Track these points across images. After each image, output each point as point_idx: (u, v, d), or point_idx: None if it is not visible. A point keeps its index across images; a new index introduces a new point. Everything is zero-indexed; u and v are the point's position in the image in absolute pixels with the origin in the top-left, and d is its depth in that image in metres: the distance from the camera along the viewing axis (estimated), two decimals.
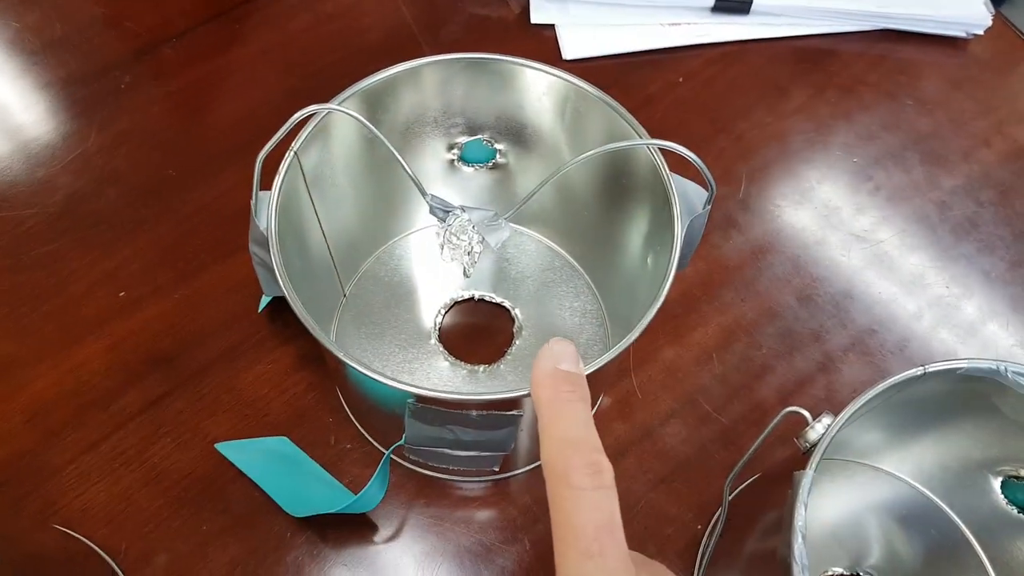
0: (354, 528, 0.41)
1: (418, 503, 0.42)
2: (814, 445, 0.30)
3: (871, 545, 0.42)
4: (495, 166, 0.45)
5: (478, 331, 0.47)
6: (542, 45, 0.58)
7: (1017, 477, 0.38)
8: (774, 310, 0.49)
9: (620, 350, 0.31)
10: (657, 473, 0.44)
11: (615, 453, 0.44)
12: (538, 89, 0.39)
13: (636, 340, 0.32)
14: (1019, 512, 0.38)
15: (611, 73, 0.57)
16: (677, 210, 0.35)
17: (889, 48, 0.61)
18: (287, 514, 0.41)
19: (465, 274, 0.35)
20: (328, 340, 0.31)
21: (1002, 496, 0.38)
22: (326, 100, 0.36)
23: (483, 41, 0.59)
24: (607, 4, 0.58)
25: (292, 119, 0.32)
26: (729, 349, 0.48)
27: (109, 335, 0.46)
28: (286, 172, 0.35)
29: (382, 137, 0.33)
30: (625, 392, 0.46)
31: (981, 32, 0.60)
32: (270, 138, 0.33)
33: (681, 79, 0.58)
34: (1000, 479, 0.38)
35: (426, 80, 0.39)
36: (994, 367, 0.32)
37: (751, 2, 0.58)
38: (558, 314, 0.46)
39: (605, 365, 0.31)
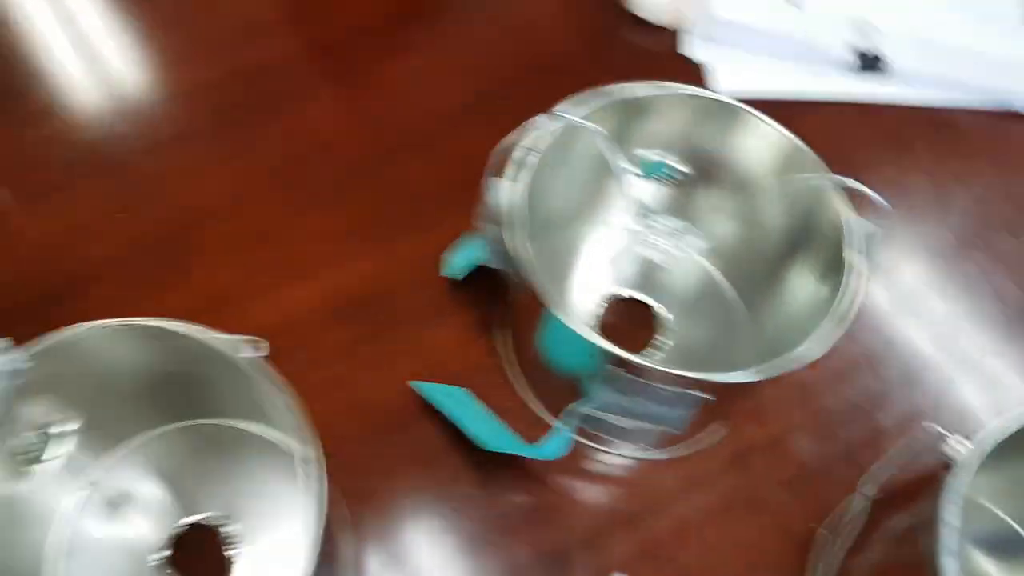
0: (518, 478, 0.48)
1: (571, 465, 0.49)
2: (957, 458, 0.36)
3: None
4: (668, 181, 0.50)
5: (634, 328, 0.53)
6: (691, 77, 0.64)
7: None
8: (895, 343, 0.55)
9: (801, 364, 0.37)
10: (782, 475, 0.49)
11: (745, 453, 0.50)
12: (749, 134, 0.45)
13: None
14: None
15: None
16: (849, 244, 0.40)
17: (1014, 127, 0.65)
18: (464, 455, 0.48)
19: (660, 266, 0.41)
20: (556, 305, 0.38)
21: None
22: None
23: (640, 69, 0.64)
24: (760, 52, 0.64)
25: (528, 123, 0.39)
26: (854, 375, 0.53)
27: (322, 280, 0.53)
28: (522, 166, 0.41)
29: (610, 147, 0.40)
30: (757, 403, 0.52)
31: None
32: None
33: (818, 127, 0.64)
34: None
35: (650, 105, 0.45)
36: None
37: (885, 65, 0.64)
38: (706, 326, 0.52)
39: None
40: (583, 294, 0.53)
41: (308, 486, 0.34)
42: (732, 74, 0.63)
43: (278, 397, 0.36)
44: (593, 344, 0.38)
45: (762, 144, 0.45)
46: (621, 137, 0.47)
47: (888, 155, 0.63)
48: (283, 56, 0.63)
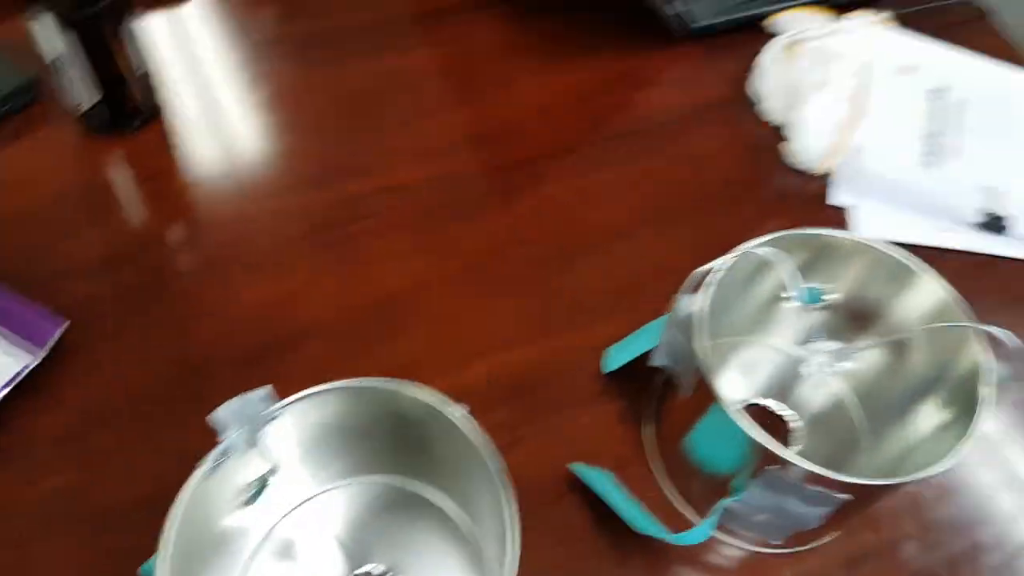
0: (655, 562, 0.53)
1: (705, 555, 0.54)
2: None
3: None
4: (820, 307, 0.57)
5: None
6: (835, 220, 0.71)
7: None
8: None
9: (934, 473, 0.42)
10: None
11: (858, 556, 0.54)
12: (914, 287, 0.52)
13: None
14: None
15: None
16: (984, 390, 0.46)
17: None
18: (606, 536, 0.53)
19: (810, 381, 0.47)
20: (717, 389, 0.44)
21: None
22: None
23: (791, 208, 0.72)
24: (898, 205, 0.71)
25: (736, 252, 0.46)
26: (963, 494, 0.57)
27: (490, 363, 0.60)
28: (716, 283, 0.49)
29: (792, 281, 0.47)
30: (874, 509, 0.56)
31: None
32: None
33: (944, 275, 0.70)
34: None
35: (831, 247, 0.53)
36: None
37: (1008, 227, 0.70)
38: (829, 441, 0.58)
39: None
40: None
41: (511, 538, 0.40)
42: (872, 219, 0.70)
43: (484, 451, 0.42)
44: (751, 440, 0.44)
45: (923, 296, 0.51)
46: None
47: (1004, 305, 0.68)
48: (477, 167, 0.72)
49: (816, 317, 0.57)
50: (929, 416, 0.52)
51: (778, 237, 0.49)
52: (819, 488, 0.44)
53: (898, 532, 0.56)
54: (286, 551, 0.51)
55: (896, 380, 0.55)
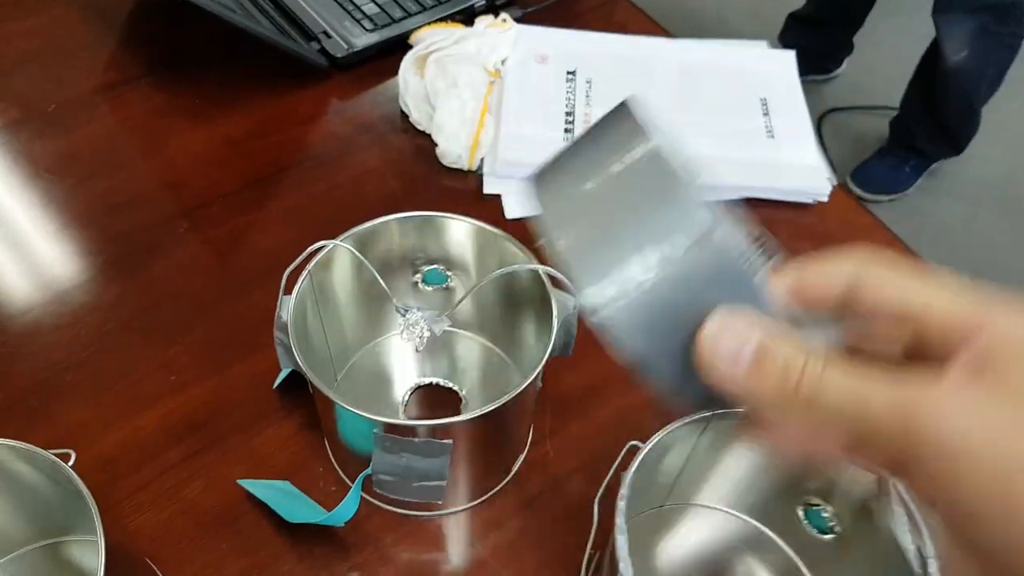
0: (335, 548, 0.56)
1: (382, 530, 0.57)
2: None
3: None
4: (447, 288, 0.63)
5: (434, 407, 0.63)
6: (493, 208, 0.78)
7: (814, 505, 0.53)
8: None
9: (517, 391, 0.48)
10: (562, 512, 0.59)
11: (532, 497, 0.60)
12: (462, 234, 0.58)
13: (532, 387, 0.49)
14: (821, 534, 0.53)
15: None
16: (554, 309, 0.52)
17: (753, 212, 0.81)
18: (285, 536, 0.56)
19: (416, 349, 0.52)
20: (323, 386, 0.48)
21: (807, 523, 0.53)
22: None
23: (447, 205, 0.78)
24: None
25: (309, 248, 0.51)
26: (623, 421, 0.64)
27: (161, 407, 0.62)
28: (302, 282, 0.53)
29: (366, 262, 0.52)
30: (542, 452, 0.62)
31: (825, 199, 0.80)
32: (290, 266, 0.51)
33: None
34: (802, 508, 0.53)
35: (394, 229, 0.58)
36: None
37: None
38: (494, 392, 0.63)
39: (510, 401, 0.47)
40: (395, 387, 0.64)
41: None
42: (517, 203, 0.77)
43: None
44: (364, 419, 0.48)
45: (476, 240, 0.58)
46: (383, 255, 0.59)
47: None
48: (153, 219, 0.75)
49: (421, 294, 0.62)
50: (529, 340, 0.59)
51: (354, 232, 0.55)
52: (419, 439, 0.49)
53: (563, 468, 0.61)
54: None
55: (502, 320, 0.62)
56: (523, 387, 0.49)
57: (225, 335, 0.67)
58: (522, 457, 0.62)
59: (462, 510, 0.59)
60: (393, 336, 0.66)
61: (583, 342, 0.61)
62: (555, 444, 0.63)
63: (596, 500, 0.52)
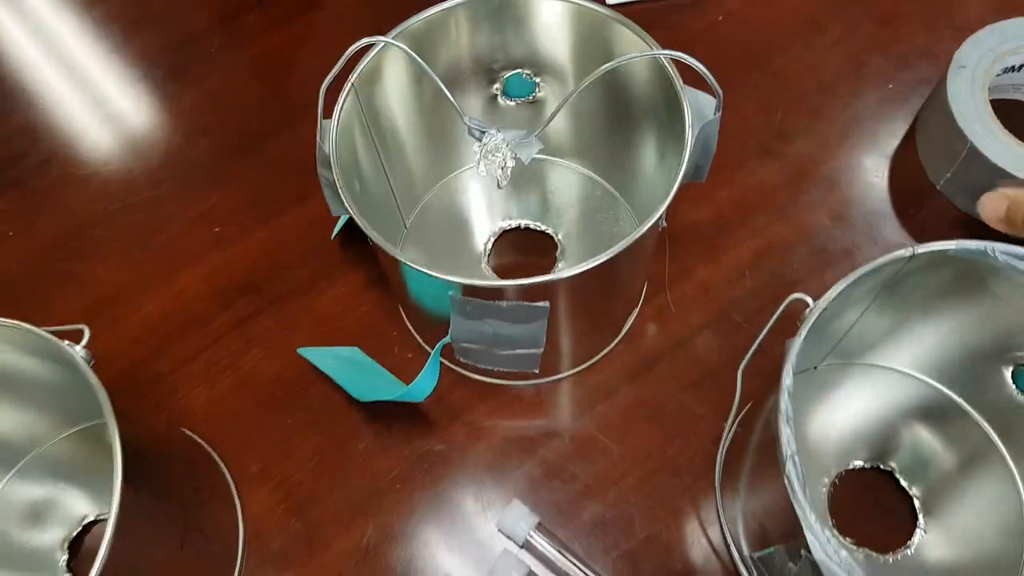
0: (416, 423, 0.47)
1: (469, 402, 0.48)
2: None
3: (892, 441, 0.44)
4: (535, 100, 0.49)
5: (525, 255, 0.52)
6: None
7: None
8: (807, 231, 0.52)
9: (639, 234, 0.35)
10: (688, 378, 0.48)
11: (650, 360, 0.48)
12: (554, 19, 0.43)
13: (654, 229, 0.36)
14: None
15: (654, 14, 0.61)
16: (688, 116, 0.38)
17: None
18: (359, 411, 0.47)
19: (499, 186, 0.40)
20: (385, 242, 0.37)
21: (1014, 386, 0.40)
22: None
23: None
24: None
25: (350, 49, 0.38)
26: (761, 267, 0.51)
27: (205, 265, 0.53)
28: (345, 100, 0.40)
29: (424, 65, 0.38)
30: (660, 307, 0.50)
31: None
32: (326, 78, 0.38)
33: (721, 18, 0.61)
34: (1011, 368, 0.40)
35: (462, 21, 0.44)
36: (982, 248, 0.34)
37: None
38: (597, 234, 0.51)
39: (624, 251, 0.35)
40: (479, 233, 0.52)
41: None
42: None
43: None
44: (436, 280, 0.37)
45: (577, 27, 0.44)
46: (449, 59, 0.45)
47: (797, 35, 0.60)
48: (178, 35, 0.63)
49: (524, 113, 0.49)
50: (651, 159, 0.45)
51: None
52: (507, 302, 0.37)
53: (691, 324, 0.49)
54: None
55: (610, 136, 0.48)
56: (642, 231, 0.36)
57: (272, 178, 0.56)
58: (636, 312, 0.50)
59: (563, 377, 0.48)
60: (469, 169, 0.53)
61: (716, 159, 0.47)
62: (676, 295, 0.50)
63: (741, 369, 0.40)
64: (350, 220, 0.38)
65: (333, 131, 0.40)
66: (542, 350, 0.42)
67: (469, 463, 0.46)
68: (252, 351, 0.50)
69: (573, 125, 0.50)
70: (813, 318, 0.33)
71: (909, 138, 0.55)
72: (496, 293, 0.37)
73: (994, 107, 0.49)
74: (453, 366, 0.48)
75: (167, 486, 0.39)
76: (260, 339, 0.50)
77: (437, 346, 0.41)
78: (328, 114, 0.40)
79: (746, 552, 0.40)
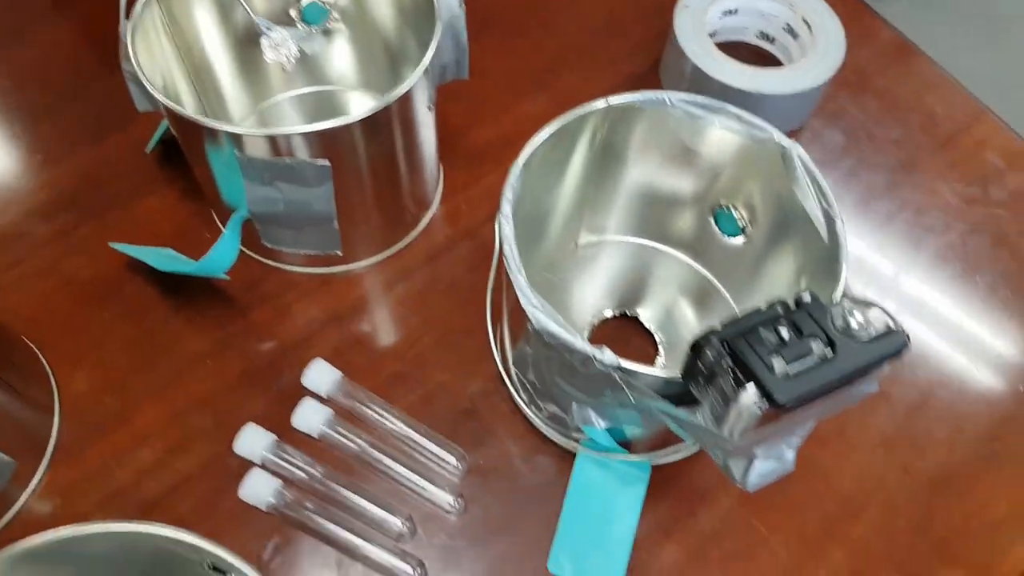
0: (226, 309, 0.52)
1: (278, 289, 0.53)
2: None
3: (637, 293, 0.54)
4: (328, 30, 0.56)
5: None
6: None
7: (723, 207, 0.49)
8: None
9: (397, 94, 0.43)
10: (475, 260, 0.55)
11: (443, 248, 0.56)
12: None
13: (408, 98, 0.44)
14: (730, 237, 0.50)
15: None
16: (438, 7, 0.47)
17: None
18: (171, 302, 0.52)
19: (284, 69, 0.47)
20: (178, 107, 0.43)
21: (716, 228, 0.50)
22: None
23: None
24: None
25: None
26: None
27: (26, 188, 0.56)
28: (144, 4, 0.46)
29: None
30: (455, 206, 0.58)
31: None
32: None
33: None
34: (712, 214, 0.50)
35: None
36: (662, 97, 0.44)
37: None
38: None
39: (392, 106, 0.42)
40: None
41: None
42: None
43: None
44: (223, 135, 0.42)
45: None
46: None
47: None
48: None
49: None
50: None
51: None
52: (289, 159, 0.44)
53: (476, 219, 0.57)
54: None
55: None
56: (402, 90, 0.43)
57: (98, 110, 0.60)
58: (432, 211, 0.57)
59: (367, 265, 0.55)
60: (286, 98, 0.60)
61: (497, 90, 0.56)
62: (468, 197, 0.58)
63: (498, 221, 0.48)
64: (165, 133, 0.43)
65: (128, 28, 0.45)
66: (335, 223, 0.49)
67: (278, 338, 0.52)
68: (73, 257, 0.54)
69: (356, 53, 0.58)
70: (524, 157, 0.41)
71: (655, 69, 0.66)
72: (275, 147, 0.43)
73: (724, 49, 0.60)
74: (263, 258, 0.54)
75: None
76: (81, 246, 0.54)
77: (232, 217, 0.47)
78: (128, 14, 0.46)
79: (512, 369, 0.47)
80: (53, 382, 0.49)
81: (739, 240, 0.49)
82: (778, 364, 0.29)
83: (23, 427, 0.45)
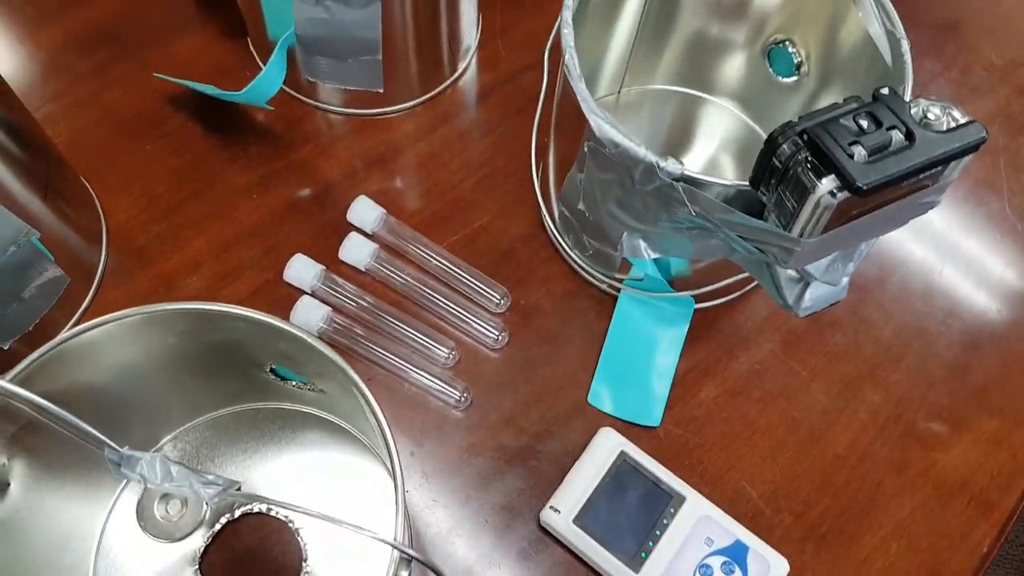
0: (269, 146, 0.52)
1: (319, 128, 0.53)
2: None
3: (675, 146, 0.53)
4: None
5: None
6: None
7: (778, 44, 0.48)
8: None
9: None
10: (516, 105, 0.54)
11: (483, 94, 0.55)
12: None
13: None
14: (784, 78, 0.49)
15: None
16: None
17: None
18: (215, 138, 0.52)
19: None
20: None
21: (770, 69, 0.49)
22: None
23: None
24: None
25: None
26: None
27: (68, 19, 0.55)
28: None
29: None
30: (492, 51, 0.56)
31: None
32: None
33: None
34: (763, 53, 0.48)
35: None
36: None
37: None
38: None
39: None
40: None
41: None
42: None
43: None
44: None
45: None
46: None
47: None
48: None
49: None
50: None
51: None
52: None
53: (515, 65, 0.56)
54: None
55: None
56: None
57: None
58: (471, 56, 0.56)
59: (406, 108, 0.54)
60: None
61: None
62: (506, 42, 0.57)
63: (546, 52, 0.46)
64: None
65: None
66: (379, 55, 0.48)
67: (321, 176, 0.51)
68: (112, 90, 0.53)
69: None
70: None
71: None
72: None
73: None
74: (305, 97, 0.53)
75: (30, 158, 0.42)
76: (120, 80, 0.53)
77: (280, 41, 0.46)
78: None
79: (556, 211, 0.47)
80: (100, 209, 0.49)
81: (792, 79, 0.48)
82: (857, 152, 0.28)
83: (73, 251, 0.45)
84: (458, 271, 0.48)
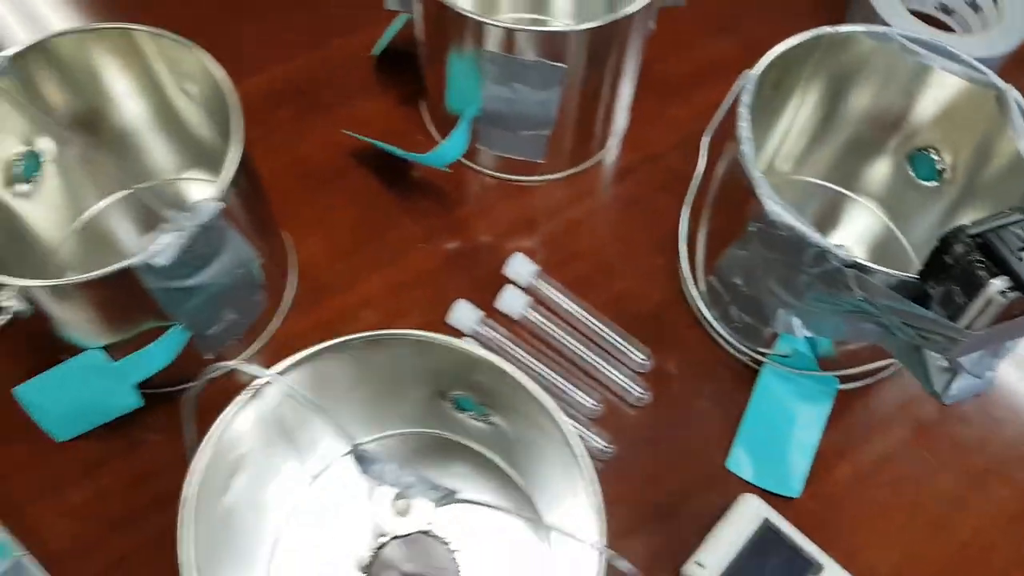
0: (438, 204, 0.58)
1: (481, 190, 0.59)
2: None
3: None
4: None
5: None
6: None
7: (922, 151, 0.51)
8: None
9: (631, 10, 0.46)
10: (659, 181, 0.59)
11: (626, 171, 0.59)
12: None
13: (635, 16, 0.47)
14: (925, 181, 0.52)
15: None
16: None
17: None
18: (392, 193, 0.58)
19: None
20: None
21: (911, 172, 0.52)
22: None
23: None
24: None
25: None
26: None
27: (269, 73, 0.63)
28: None
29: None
30: (635, 137, 0.61)
31: None
32: None
33: None
34: (909, 157, 0.52)
35: None
36: (883, 30, 0.46)
37: None
38: None
39: (622, 21, 0.46)
40: None
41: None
42: None
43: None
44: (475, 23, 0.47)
45: None
46: None
47: None
48: None
49: None
50: None
51: None
52: (532, 60, 0.48)
53: (660, 146, 0.61)
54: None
55: None
56: (637, 7, 0.47)
57: (327, 10, 0.66)
58: (620, 135, 0.61)
59: (558, 178, 0.59)
60: None
61: (685, 28, 0.58)
62: (654, 126, 0.62)
63: (707, 138, 0.51)
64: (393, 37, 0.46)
65: None
66: (550, 131, 0.53)
67: (480, 232, 0.57)
68: (303, 140, 0.60)
69: None
70: (760, 67, 0.44)
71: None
72: (521, 44, 0.47)
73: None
74: (471, 164, 0.59)
75: (256, 196, 0.48)
76: (310, 131, 0.60)
77: (468, 114, 0.52)
78: None
79: (703, 282, 0.51)
80: (290, 244, 0.55)
81: (933, 184, 0.51)
82: None
83: (270, 280, 0.51)
84: (604, 329, 0.52)
